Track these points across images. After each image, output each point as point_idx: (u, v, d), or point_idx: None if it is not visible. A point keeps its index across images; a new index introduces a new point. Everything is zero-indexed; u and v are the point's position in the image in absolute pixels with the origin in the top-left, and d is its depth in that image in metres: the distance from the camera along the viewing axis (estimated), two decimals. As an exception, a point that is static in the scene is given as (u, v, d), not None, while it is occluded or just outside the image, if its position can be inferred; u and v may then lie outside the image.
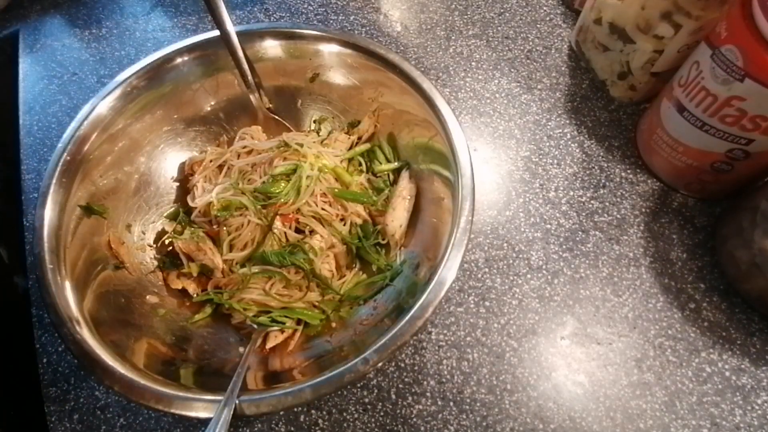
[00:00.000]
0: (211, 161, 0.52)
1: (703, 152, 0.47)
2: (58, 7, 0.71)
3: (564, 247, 0.50)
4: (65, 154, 0.43)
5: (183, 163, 0.52)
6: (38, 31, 0.69)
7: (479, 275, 0.49)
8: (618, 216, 0.52)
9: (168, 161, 0.52)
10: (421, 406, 0.43)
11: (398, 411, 0.43)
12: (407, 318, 0.36)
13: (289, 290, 0.46)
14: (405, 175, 0.50)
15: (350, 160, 0.52)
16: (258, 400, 0.34)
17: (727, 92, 0.41)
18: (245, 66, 0.49)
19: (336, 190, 0.49)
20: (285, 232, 0.46)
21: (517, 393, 0.44)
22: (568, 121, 0.58)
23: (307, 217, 0.47)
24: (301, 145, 0.49)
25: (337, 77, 0.52)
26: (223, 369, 0.41)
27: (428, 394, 0.44)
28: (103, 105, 0.46)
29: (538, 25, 0.66)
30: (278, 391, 0.34)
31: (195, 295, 0.46)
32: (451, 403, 0.43)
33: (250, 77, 0.50)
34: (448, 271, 0.37)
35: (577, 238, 0.51)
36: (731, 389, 0.44)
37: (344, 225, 0.48)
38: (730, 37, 0.39)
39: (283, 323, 0.45)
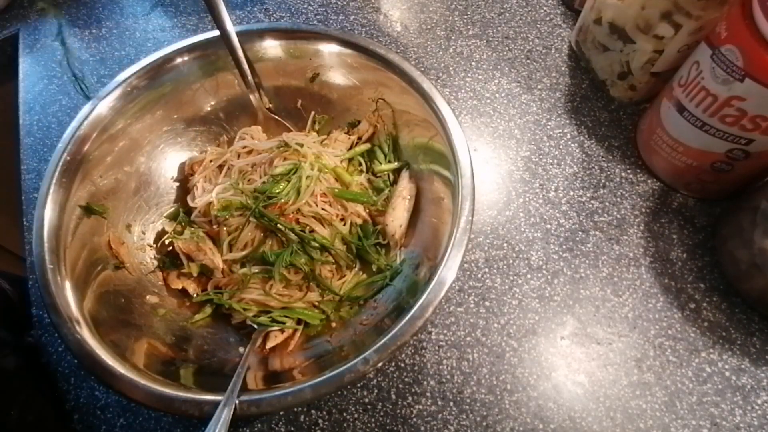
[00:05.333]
0: (211, 161, 0.52)
1: (703, 152, 0.47)
2: (58, 7, 0.71)
3: (564, 247, 0.50)
4: (65, 154, 0.43)
5: (183, 163, 0.52)
6: (38, 31, 0.69)
7: (479, 275, 0.49)
8: (618, 216, 0.52)
9: (168, 161, 0.52)
10: (421, 406, 0.43)
11: (398, 411, 0.43)
12: (407, 318, 0.36)
13: (289, 290, 0.46)
14: (405, 175, 0.50)
15: (350, 160, 0.52)
16: (258, 400, 0.34)
17: (727, 92, 0.41)
18: (245, 66, 0.49)
19: (336, 190, 0.49)
20: (291, 230, 0.46)
21: (517, 393, 0.44)
22: (568, 121, 0.58)
23: (307, 217, 0.47)
24: (301, 145, 0.49)
25: (337, 77, 0.52)
26: (223, 369, 0.41)
27: (428, 394, 0.44)
28: (103, 105, 0.46)
29: (538, 25, 0.66)
30: (278, 391, 0.34)
31: (195, 295, 0.46)
32: (451, 403, 0.43)
33: (250, 77, 0.50)
34: (448, 271, 0.37)
35: (577, 238, 0.51)
36: (731, 389, 0.44)
37: (344, 225, 0.48)
38: (730, 37, 0.39)
39: (283, 323, 0.45)
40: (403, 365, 0.45)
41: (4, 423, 0.42)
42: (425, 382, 0.44)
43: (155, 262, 0.48)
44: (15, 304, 0.53)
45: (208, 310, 0.46)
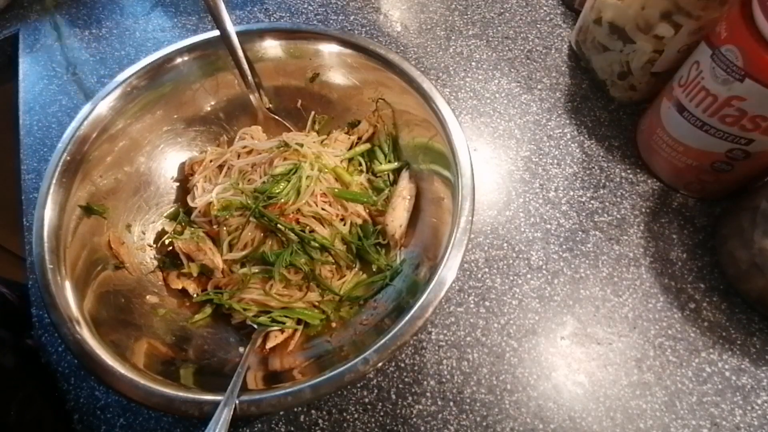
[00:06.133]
0: (211, 161, 0.52)
1: (703, 152, 0.47)
2: (58, 7, 0.71)
3: (564, 247, 0.50)
4: (65, 154, 0.43)
5: (183, 163, 0.52)
6: (38, 31, 0.69)
7: (479, 275, 0.49)
8: (618, 216, 0.52)
9: (168, 161, 0.52)
10: (421, 406, 0.43)
11: (398, 411, 0.43)
12: (407, 318, 0.36)
13: (289, 290, 0.46)
14: (405, 175, 0.50)
15: (350, 160, 0.52)
16: (258, 400, 0.34)
17: (727, 92, 0.41)
18: (245, 66, 0.49)
19: (336, 190, 0.49)
20: (290, 230, 0.46)
21: (517, 393, 0.44)
22: (568, 121, 0.58)
23: (307, 217, 0.47)
24: (301, 145, 0.49)
25: (337, 77, 0.52)
26: (223, 369, 0.41)
27: (428, 394, 0.44)
28: (103, 105, 0.46)
29: (538, 25, 0.66)
30: (278, 391, 0.34)
31: (195, 295, 0.46)
32: (451, 403, 0.43)
33: (250, 77, 0.50)
34: (448, 271, 0.37)
35: (577, 238, 0.51)
36: (731, 389, 0.44)
37: (344, 225, 0.48)
38: (730, 37, 0.39)
39: (283, 323, 0.45)
40: (403, 365, 0.45)
41: (4, 421, 0.42)
42: (425, 382, 0.44)
43: (155, 262, 0.48)
44: (15, 306, 0.53)
45: (208, 310, 0.46)
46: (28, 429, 0.43)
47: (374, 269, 0.48)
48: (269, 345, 0.43)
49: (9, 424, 0.42)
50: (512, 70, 0.62)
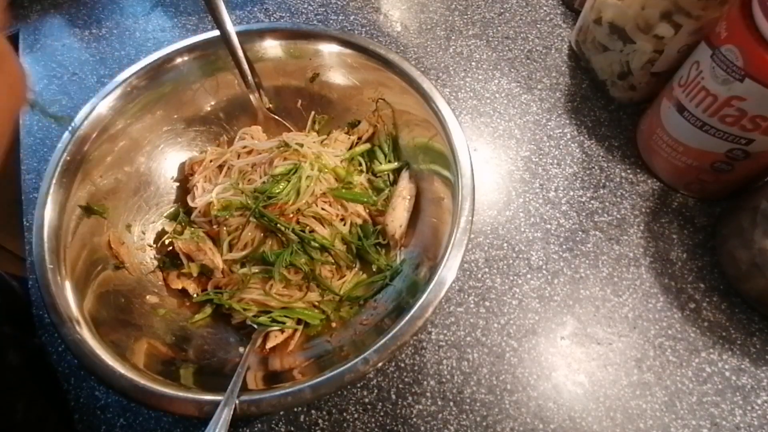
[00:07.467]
0: (211, 161, 0.52)
1: (703, 152, 0.47)
2: (58, 7, 0.71)
3: (564, 247, 0.50)
4: (65, 154, 0.43)
5: (183, 163, 0.52)
6: (38, 31, 0.69)
7: (479, 275, 0.49)
8: (618, 216, 0.52)
9: (168, 161, 0.52)
10: (421, 406, 0.43)
11: (398, 411, 0.43)
12: (407, 318, 0.36)
13: (289, 290, 0.46)
14: (405, 175, 0.50)
15: (350, 160, 0.52)
16: (258, 400, 0.34)
17: (727, 92, 0.41)
18: (245, 66, 0.49)
19: (336, 190, 0.48)
20: (291, 230, 0.46)
21: (517, 393, 0.44)
22: (568, 121, 0.58)
23: (308, 217, 0.47)
24: (301, 145, 0.49)
25: (337, 77, 0.52)
26: (223, 369, 0.41)
27: (428, 394, 0.44)
28: (103, 105, 0.46)
29: (538, 25, 0.66)
30: (278, 391, 0.34)
31: (195, 295, 0.46)
32: (451, 403, 0.43)
33: (250, 77, 0.50)
34: (448, 271, 0.37)
35: (577, 238, 0.51)
36: (731, 389, 0.44)
37: (344, 225, 0.48)
38: (730, 37, 0.39)
39: (283, 323, 0.45)
40: (403, 365, 0.45)
41: (11, 420, 0.42)
42: (425, 382, 0.44)
43: (155, 262, 0.48)
44: (23, 303, 0.53)
45: (208, 310, 0.46)
46: (33, 429, 0.43)
47: (374, 269, 0.48)
48: (269, 345, 0.43)
49: (16, 423, 0.42)
50: (512, 70, 0.62)
